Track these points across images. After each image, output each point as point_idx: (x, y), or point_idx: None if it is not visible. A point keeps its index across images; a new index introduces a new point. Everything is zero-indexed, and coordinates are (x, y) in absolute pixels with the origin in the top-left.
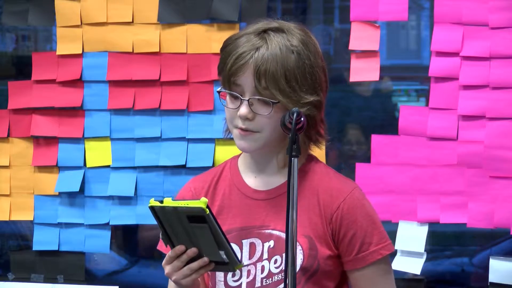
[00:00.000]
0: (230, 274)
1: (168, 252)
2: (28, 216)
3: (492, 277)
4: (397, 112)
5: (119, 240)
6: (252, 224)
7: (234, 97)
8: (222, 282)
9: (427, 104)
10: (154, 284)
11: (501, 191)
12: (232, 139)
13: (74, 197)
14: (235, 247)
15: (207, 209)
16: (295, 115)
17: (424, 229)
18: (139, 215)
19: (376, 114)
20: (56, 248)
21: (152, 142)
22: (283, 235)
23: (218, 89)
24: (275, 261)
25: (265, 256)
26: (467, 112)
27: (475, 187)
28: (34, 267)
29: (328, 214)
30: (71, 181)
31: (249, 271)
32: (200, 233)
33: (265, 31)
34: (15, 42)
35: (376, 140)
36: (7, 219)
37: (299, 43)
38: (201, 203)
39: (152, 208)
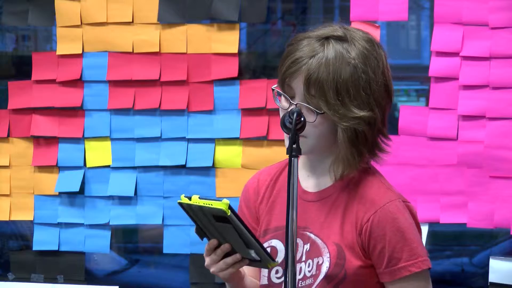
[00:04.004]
0: (274, 271)
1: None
2: (28, 216)
3: (492, 277)
4: (397, 112)
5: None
6: (298, 225)
7: (286, 98)
8: (266, 278)
9: (427, 104)
10: (154, 284)
11: (501, 191)
12: (232, 139)
13: (74, 197)
14: (280, 245)
15: (229, 211)
16: (295, 115)
17: (424, 229)
18: (139, 215)
19: None
20: (56, 248)
21: (152, 142)
22: (317, 239)
23: (273, 86)
24: (308, 265)
25: (303, 258)
26: (467, 112)
27: (475, 187)
28: (34, 267)
29: (359, 225)
30: (71, 181)
31: None
32: (227, 232)
33: (327, 38)
34: (15, 42)
35: None
36: (7, 219)
37: (359, 55)
38: (222, 204)
39: (181, 204)
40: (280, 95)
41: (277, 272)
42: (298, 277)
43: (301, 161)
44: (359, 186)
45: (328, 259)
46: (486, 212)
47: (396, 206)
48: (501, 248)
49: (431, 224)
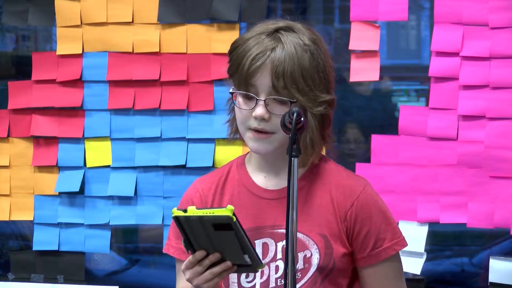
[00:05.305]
0: (243, 275)
1: (189, 257)
2: (28, 216)
3: (492, 277)
4: (397, 112)
5: None
6: (264, 224)
7: (249, 98)
8: (236, 284)
9: (427, 104)
10: (154, 284)
11: (501, 191)
12: (233, 139)
13: (74, 197)
14: None
15: (234, 217)
16: (295, 115)
17: (424, 229)
18: (139, 215)
19: (376, 114)
20: (56, 248)
21: (152, 142)
22: (297, 234)
23: (231, 90)
24: None
25: (279, 256)
26: (467, 112)
27: (475, 187)
28: (34, 267)
29: (342, 212)
30: (71, 181)
31: (262, 272)
32: (225, 239)
33: (276, 30)
34: (15, 42)
35: (376, 140)
36: (7, 219)
37: (311, 42)
38: (227, 211)
39: (176, 218)
40: (245, 97)
41: (247, 276)
42: (276, 275)
43: (254, 162)
44: (327, 175)
45: (317, 250)
46: (486, 212)
47: (371, 190)
48: (501, 248)
49: (431, 224)
